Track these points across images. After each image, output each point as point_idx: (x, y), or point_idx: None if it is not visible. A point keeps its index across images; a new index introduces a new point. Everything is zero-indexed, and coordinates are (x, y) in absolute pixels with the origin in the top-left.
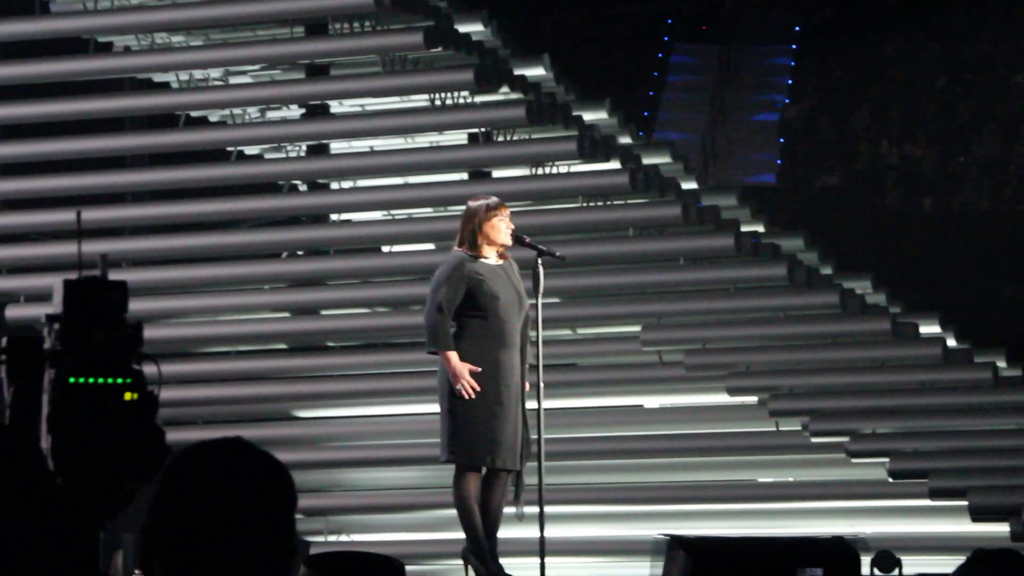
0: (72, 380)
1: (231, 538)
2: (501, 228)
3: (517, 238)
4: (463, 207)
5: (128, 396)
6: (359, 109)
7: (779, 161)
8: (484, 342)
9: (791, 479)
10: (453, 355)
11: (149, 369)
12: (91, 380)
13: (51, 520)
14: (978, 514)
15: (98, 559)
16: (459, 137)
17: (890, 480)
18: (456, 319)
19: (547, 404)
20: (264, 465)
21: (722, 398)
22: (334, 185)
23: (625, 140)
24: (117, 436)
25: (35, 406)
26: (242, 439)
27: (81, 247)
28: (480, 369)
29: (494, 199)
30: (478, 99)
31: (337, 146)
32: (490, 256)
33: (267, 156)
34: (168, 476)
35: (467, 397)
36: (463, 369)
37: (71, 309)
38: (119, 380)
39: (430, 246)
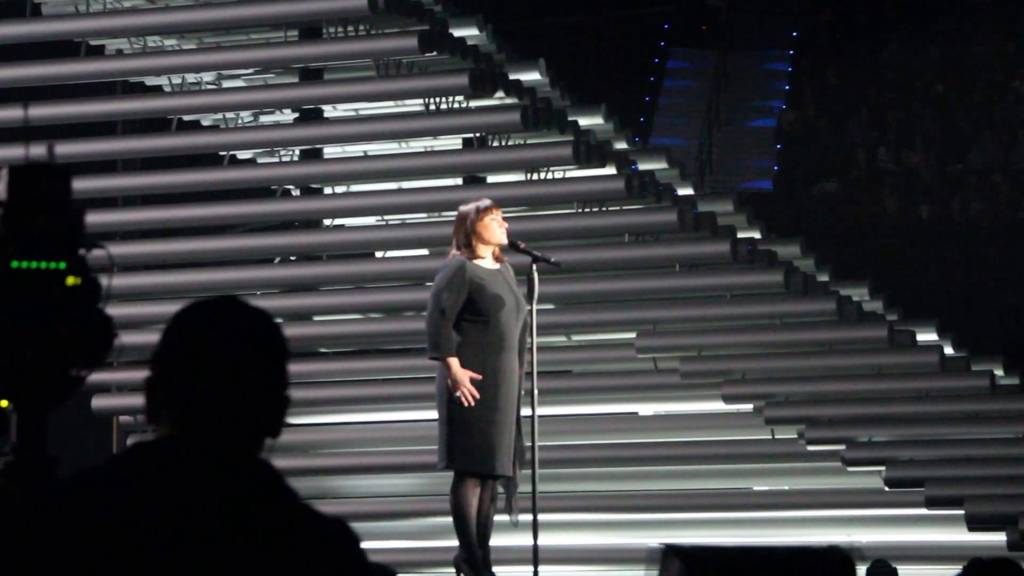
0: (14, 265)
1: (229, 385)
2: (494, 227)
3: (512, 243)
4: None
5: (71, 281)
6: (353, 113)
7: (776, 167)
8: (484, 348)
9: (787, 487)
10: (454, 361)
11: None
12: (32, 265)
13: None
14: (975, 523)
15: (45, 443)
16: (454, 142)
17: (886, 489)
18: (456, 325)
19: (541, 411)
20: (256, 318)
21: (718, 405)
22: (327, 190)
23: (621, 145)
24: (60, 320)
25: None
26: (235, 297)
27: (29, 144)
28: (481, 376)
29: (485, 201)
30: (473, 104)
31: (331, 150)
32: (486, 258)
33: (260, 160)
34: (168, 331)
35: (467, 404)
36: (464, 376)
37: (15, 195)
38: (61, 265)
39: (424, 251)
